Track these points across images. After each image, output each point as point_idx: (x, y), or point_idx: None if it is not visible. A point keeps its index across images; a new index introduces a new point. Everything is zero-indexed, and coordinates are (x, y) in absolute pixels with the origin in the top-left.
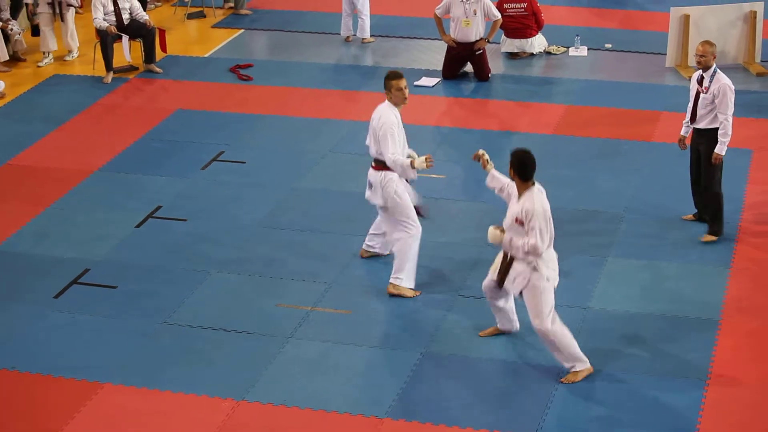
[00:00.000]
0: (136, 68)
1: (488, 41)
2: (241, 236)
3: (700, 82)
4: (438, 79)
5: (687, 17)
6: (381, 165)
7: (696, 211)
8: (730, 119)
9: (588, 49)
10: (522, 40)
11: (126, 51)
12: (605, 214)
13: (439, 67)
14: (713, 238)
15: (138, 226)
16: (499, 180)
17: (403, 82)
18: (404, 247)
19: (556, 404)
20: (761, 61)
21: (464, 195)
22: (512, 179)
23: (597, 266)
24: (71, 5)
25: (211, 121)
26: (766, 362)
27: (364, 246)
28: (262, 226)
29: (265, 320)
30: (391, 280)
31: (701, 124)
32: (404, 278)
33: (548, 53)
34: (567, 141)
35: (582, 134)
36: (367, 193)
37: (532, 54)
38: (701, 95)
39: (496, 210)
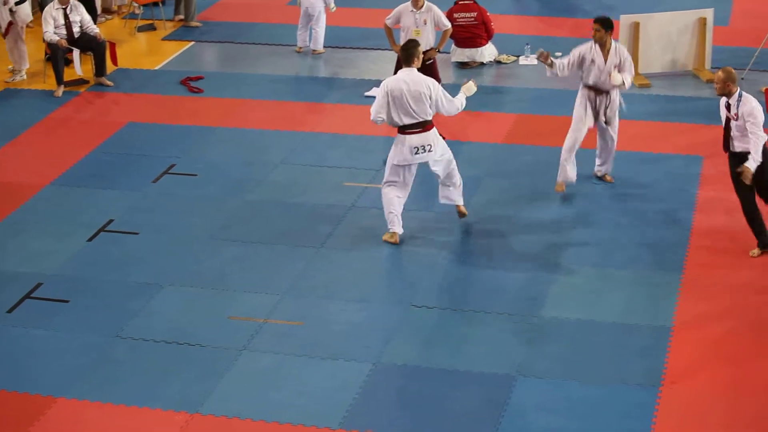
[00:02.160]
0: (87, 81)
1: (438, 51)
2: (192, 249)
3: (728, 108)
4: None
5: (637, 25)
6: (430, 124)
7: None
8: (760, 138)
9: (536, 57)
10: (472, 49)
11: (77, 64)
12: (557, 222)
13: (382, 77)
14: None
15: (90, 239)
16: (564, 63)
17: None
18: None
19: (509, 413)
20: (711, 68)
21: (415, 205)
22: (602, 36)
23: (549, 274)
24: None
25: (163, 133)
26: (718, 367)
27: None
28: (214, 239)
29: (218, 333)
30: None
31: (737, 149)
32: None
33: (498, 62)
34: (518, 150)
35: (533, 143)
36: (425, 156)
37: (482, 63)
38: (732, 122)
39: (447, 219)
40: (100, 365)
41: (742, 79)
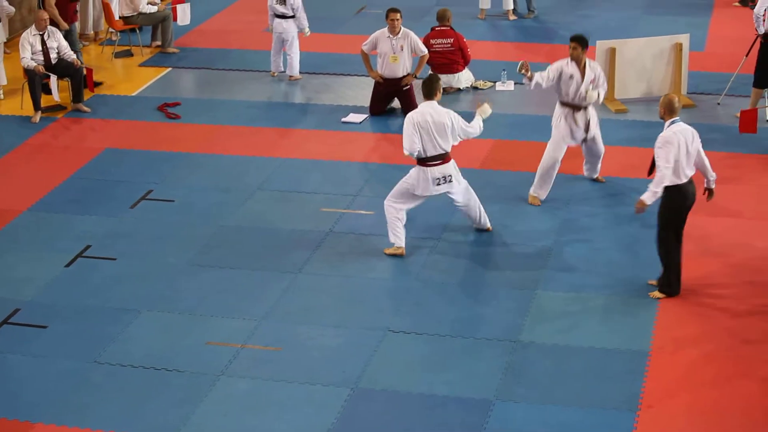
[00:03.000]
0: (64, 107)
1: (415, 77)
2: (170, 274)
3: None
4: (365, 116)
5: (613, 50)
6: (449, 155)
7: None
8: (662, 170)
9: (515, 83)
10: (449, 75)
11: (54, 90)
12: (534, 247)
13: (367, 103)
14: (657, 294)
15: (67, 265)
16: (544, 76)
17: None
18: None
19: None
20: (687, 93)
21: None
22: (578, 54)
23: (525, 299)
24: None
25: (140, 159)
26: (695, 391)
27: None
28: (192, 264)
29: (196, 358)
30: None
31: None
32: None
33: (475, 88)
34: (494, 175)
35: (509, 168)
36: (446, 187)
37: (459, 89)
38: None
39: (424, 244)
40: (77, 390)
41: (718, 104)
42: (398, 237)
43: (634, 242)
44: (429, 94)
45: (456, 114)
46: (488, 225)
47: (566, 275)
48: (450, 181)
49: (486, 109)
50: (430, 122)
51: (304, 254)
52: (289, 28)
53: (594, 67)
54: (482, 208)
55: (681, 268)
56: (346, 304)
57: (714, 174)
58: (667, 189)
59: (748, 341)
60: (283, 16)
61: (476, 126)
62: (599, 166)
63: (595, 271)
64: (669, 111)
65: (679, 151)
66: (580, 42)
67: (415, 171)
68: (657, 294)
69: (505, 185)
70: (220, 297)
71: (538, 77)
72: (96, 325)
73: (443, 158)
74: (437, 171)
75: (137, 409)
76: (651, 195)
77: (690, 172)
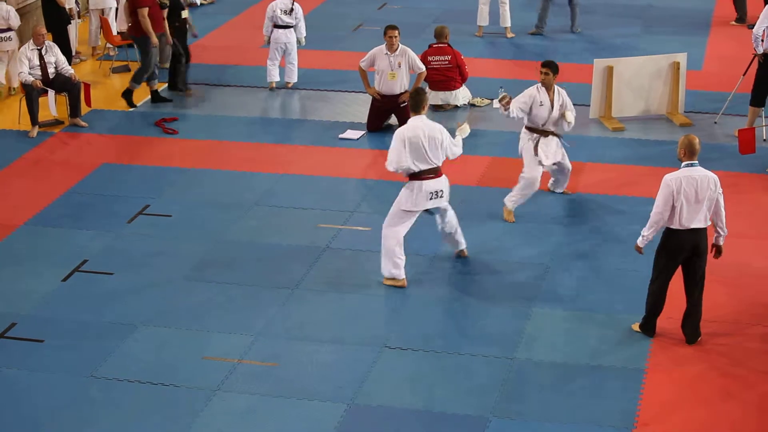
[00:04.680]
0: (62, 122)
1: None
2: (167, 289)
3: None
4: (363, 132)
5: (610, 69)
6: (440, 170)
7: None
8: (653, 214)
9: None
10: (446, 92)
11: (51, 105)
12: (530, 264)
13: (364, 119)
14: (636, 327)
15: (64, 280)
16: (519, 107)
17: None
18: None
19: None
20: (684, 111)
21: None
22: (549, 80)
23: (523, 317)
24: None
25: (137, 174)
26: (691, 409)
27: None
28: (188, 279)
29: (193, 373)
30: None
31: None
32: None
33: (472, 105)
34: (491, 192)
35: (506, 186)
36: (437, 201)
37: (456, 106)
38: None
39: (422, 261)
40: (74, 405)
41: (715, 123)
42: (399, 267)
43: (630, 261)
44: (416, 107)
45: (445, 130)
46: (464, 246)
47: (562, 293)
48: (441, 196)
49: (465, 129)
50: (421, 137)
51: (301, 270)
52: (291, 38)
53: (561, 93)
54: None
55: (657, 313)
56: (342, 320)
57: (725, 230)
58: (666, 231)
59: (744, 360)
60: (286, 27)
61: (459, 145)
62: (567, 181)
63: (591, 289)
64: (688, 152)
65: (678, 197)
66: (551, 68)
67: (406, 188)
68: (635, 326)
69: (503, 203)
70: (217, 312)
71: (516, 111)
72: (93, 340)
73: (436, 172)
74: (432, 185)
75: (134, 423)
76: (641, 239)
77: (694, 223)
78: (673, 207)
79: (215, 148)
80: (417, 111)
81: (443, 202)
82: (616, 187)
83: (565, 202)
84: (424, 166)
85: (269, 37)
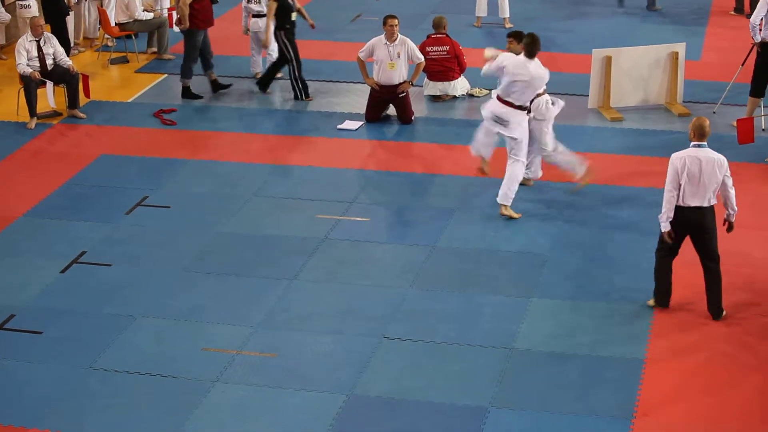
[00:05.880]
0: (60, 114)
1: (412, 84)
2: (166, 281)
3: None
4: (361, 123)
5: (609, 59)
6: (519, 107)
7: None
8: (665, 192)
9: None
10: (445, 82)
11: (50, 96)
12: (528, 255)
13: (362, 110)
14: (651, 302)
15: (63, 271)
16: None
17: None
18: (517, 173)
19: None
20: (683, 101)
21: (388, 238)
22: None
23: (521, 307)
24: None
25: (135, 166)
26: (690, 399)
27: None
28: (187, 271)
29: (192, 364)
30: (501, 202)
31: None
32: (510, 202)
33: (471, 96)
34: (490, 182)
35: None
36: (499, 128)
37: (454, 96)
38: None
39: (420, 251)
40: (73, 397)
41: (714, 113)
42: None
43: (629, 250)
44: (531, 53)
45: (546, 75)
46: (538, 174)
47: (562, 283)
48: (503, 124)
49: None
50: (516, 73)
51: (300, 261)
52: (264, 26)
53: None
54: (512, 179)
55: (668, 283)
56: (341, 310)
57: (735, 209)
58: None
59: (743, 350)
60: (259, 15)
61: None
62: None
63: (591, 279)
64: (697, 134)
65: (682, 174)
66: (516, 36)
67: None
68: (651, 301)
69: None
70: (216, 303)
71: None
72: (91, 331)
73: (505, 103)
74: (498, 109)
75: (132, 415)
76: (661, 223)
77: (694, 201)
78: (679, 184)
79: (214, 139)
80: (531, 56)
81: (506, 132)
82: (615, 177)
83: (563, 193)
84: (505, 97)
85: (246, 27)
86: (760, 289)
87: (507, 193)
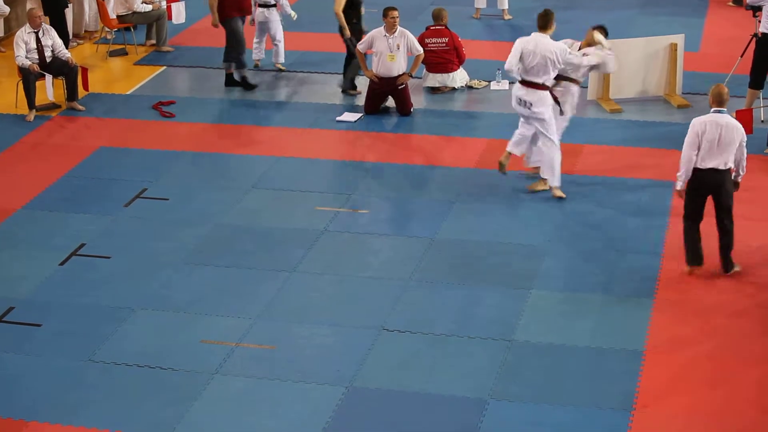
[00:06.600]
0: (59, 106)
1: (411, 76)
2: (165, 273)
3: None
4: (360, 114)
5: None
6: (544, 86)
7: None
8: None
9: (509, 83)
10: (444, 74)
11: (49, 89)
12: (528, 247)
13: (361, 102)
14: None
15: (62, 264)
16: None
17: None
18: (553, 154)
19: None
20: (682, 93)
21: (388, 230)
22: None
23: (520, 299)
24: None
25: (134, 158)
26: (690, 392)
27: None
28: (186, 263)
29: (190, 357)
30: (552, 185)
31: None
32: (557, 181)
33: (470, 87)
34: (489, 175)
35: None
36: (524, 111)
37: (453, 88)
38: None
39: (419, 243)
40: (72, 389)
41: None
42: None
43: (629, 241)
44: (545, 26)
45: (565, 49)
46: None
47: (561, 274)
48: (529, 107)
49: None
50: (533, 50)
51: (299, 253)
52: (271, 16)
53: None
54: (551, 161)
55: (696, 245)
56: (340, 302)
57: (744, 170)
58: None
59: (743, 341)
60: (265, 5)
61: (584, 57)
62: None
63: (590, 270)
64: (716, 101)
65: (700, 138)
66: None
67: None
68: (686, 269)
69: (500, 185)
70: (215, 295)
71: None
72: (90, 324)
73: (529, 84)
74: (521, 92)
75: (131, 407)
76: (678, 182)
77: (712, 161)
78: (698, 146)
79: (213, 131)
80: (545, 29)
81: (531, 114)
82: (614, 169)
83: (562, 184)
84: (526, 77)
85: (252, 18)
86: (758, 283)
87: (555, 174)
